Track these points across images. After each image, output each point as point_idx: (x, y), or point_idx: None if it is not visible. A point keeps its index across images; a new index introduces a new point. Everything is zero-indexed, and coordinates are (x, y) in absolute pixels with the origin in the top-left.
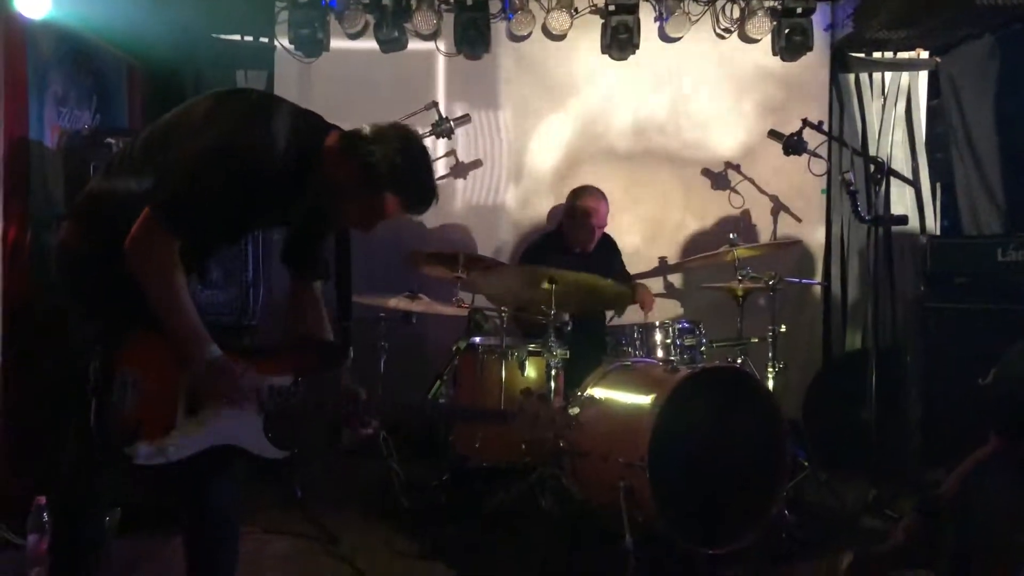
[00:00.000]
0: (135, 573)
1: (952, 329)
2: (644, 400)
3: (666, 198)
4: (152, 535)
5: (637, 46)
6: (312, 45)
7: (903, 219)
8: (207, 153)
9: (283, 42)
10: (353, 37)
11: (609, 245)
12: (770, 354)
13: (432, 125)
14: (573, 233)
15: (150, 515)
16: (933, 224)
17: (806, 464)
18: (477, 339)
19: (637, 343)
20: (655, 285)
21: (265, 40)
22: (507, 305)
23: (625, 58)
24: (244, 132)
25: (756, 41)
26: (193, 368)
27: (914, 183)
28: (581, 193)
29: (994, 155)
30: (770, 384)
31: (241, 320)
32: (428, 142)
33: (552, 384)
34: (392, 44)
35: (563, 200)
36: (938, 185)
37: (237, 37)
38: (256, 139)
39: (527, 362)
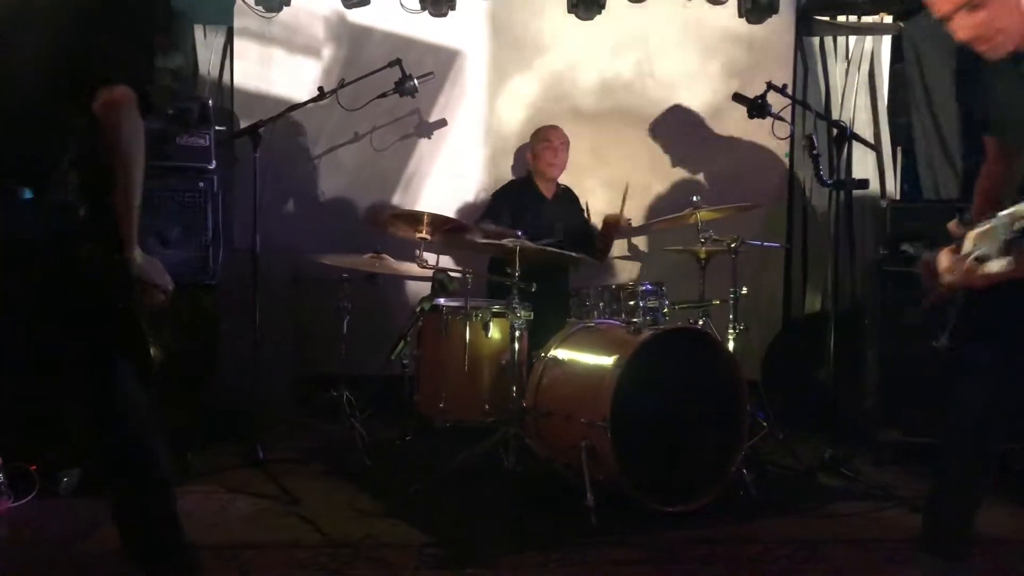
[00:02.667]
0: (94, 532)
1: (909, 292)
2: (607, 361)
3: (632, 159)
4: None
5: (603, 6)
6: None
7: (864, 183)
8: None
9: None
10: None
11: (572, 196)
12: (731, 316)
13: (395, 83)
14: (539, 165)
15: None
16: (894, 188)
17: (765, 424)
18: (441, 300)
19: (601, 304)
20: (619, 246)
21: None
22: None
23: (591, 18)
24: None
25: (722, 3)
26: (134, 251)
27: (876, 147)
28: (541, 127)
29: (953, 121)
30: (731, 345)
31: (201, 278)
32: (392, 102)
33: (516, 345)
34: (354, 1)
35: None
36: (899, 149)
37: None
38: None
39: (491, 323)
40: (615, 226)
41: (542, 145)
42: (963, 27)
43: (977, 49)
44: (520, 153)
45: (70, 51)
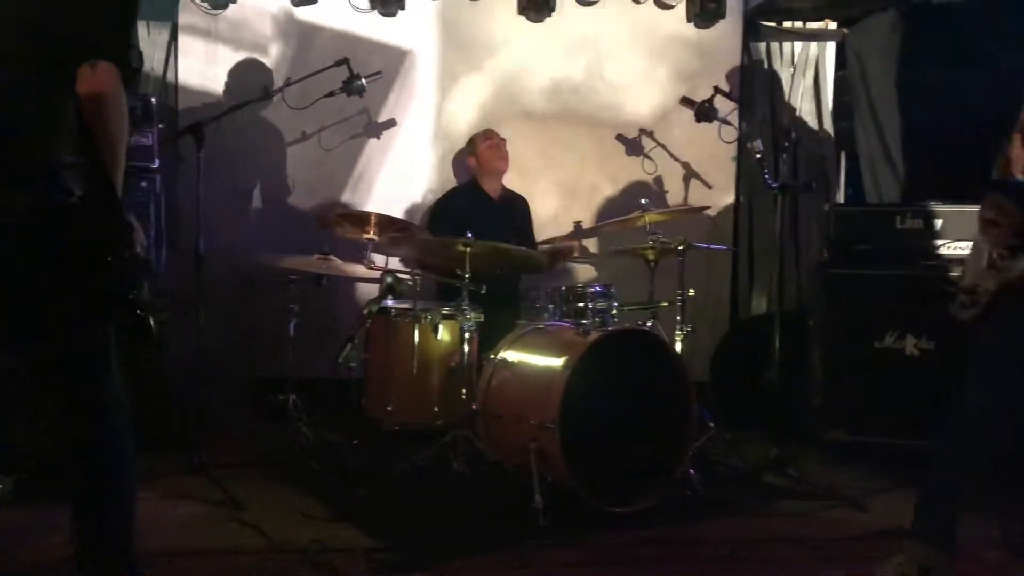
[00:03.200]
0: (28, 542)
1: (852, 294)
2: (556, 363)
3: (581, 162)
4: (47, 504)
5: (553, 9)
6: None
7: (809, 187)
8: None
9: None
10: None
11: (521, 201)
12: (679, 317)
13: (343, 82)
14: (483, 167)
15: (45, 484)
16: (838, 192)
17: (712, 424)
18: (390, 302)
19: (551, 306)
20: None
21: None
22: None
23: (542, 20)
24: None
25: (671, 7)
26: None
27: (820, 152)
28: (479, 141)
29: (895, 127)
30: (678, 346)
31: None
32: (339, 100)
33: (466, 347)
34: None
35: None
36: (843, 154)
37: None
38: None
39: (440, 325)
40: (566, 254)
41: (485, 144)
42: None
43: None
44: (459, 160)
45: (52, 28)
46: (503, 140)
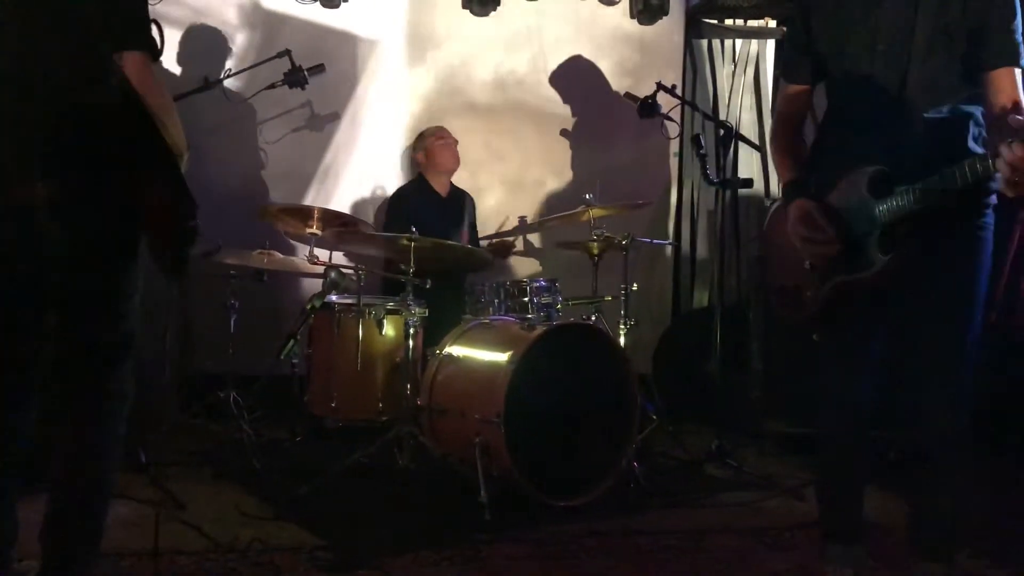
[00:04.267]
0: None
1: None
2: (501, 357)
3: (526, 155)
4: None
5: (498, 2)
6: None
7: (749, 182)
8: None
9: None
10: None
11: (467, 198)
12: (622, 311)
13: (285, 74)
14: (433, 165)
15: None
16: (777, 188)
17: (655, 416)
18: (333, 297)
19: (496, 301)
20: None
21: None
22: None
23: (486, 14)
24: None
25: (615, 3)
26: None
27: (760, 148)
28: (431, 139)
29: None
30: (622, 340)
31: None
32: (282, 92)
33: (410, 343)
34: None
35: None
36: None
37: None
38: None
39: (385, 320)
40: (506, 250)
41: (437, 143)
42: None
43: None
44: (405, 154)
45: (85, 18)
46: (455, 140)
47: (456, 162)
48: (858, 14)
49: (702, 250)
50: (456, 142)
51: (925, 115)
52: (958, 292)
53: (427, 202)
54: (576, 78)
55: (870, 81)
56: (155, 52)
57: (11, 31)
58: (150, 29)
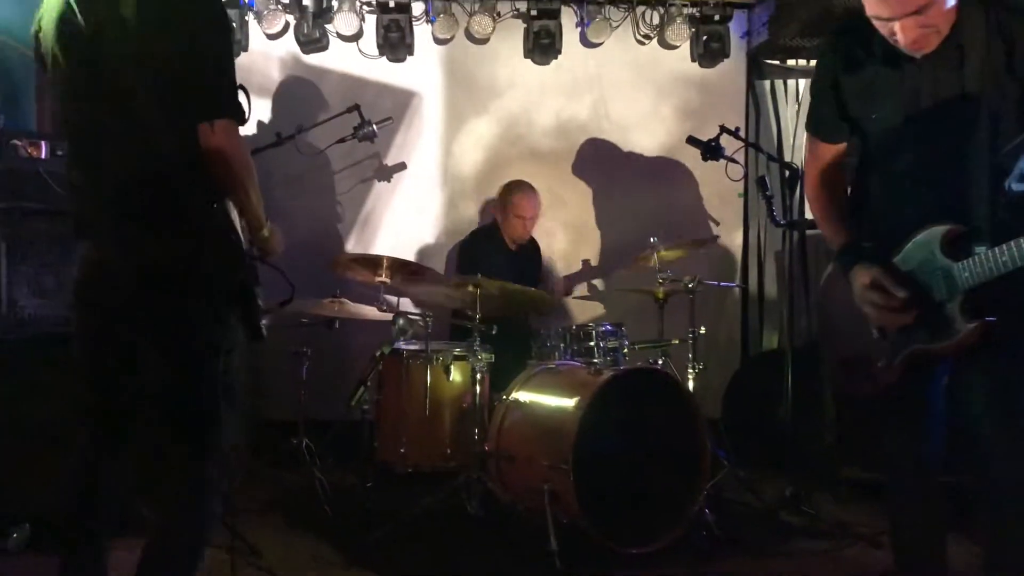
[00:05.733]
0: None
1: None
2: (568, 403)
3: (589, 199)
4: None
5: (559, 51)
6: None
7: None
8: (219, 31)
9: None
10: (273, 38)
11: (535, 247)
12: (690, 355)
13: (354, 128)
14: (507, 229)
15: (58, 533)
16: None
17: (725, 463)
18: (401, 343)
19: (561, 345)
20: (579, 287)
21: None
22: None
23: (548, 62)
24: None
25: (675, 47)
26: (265, 233)
27: None
28: (514, 190)
29: None
30: (690, 385)
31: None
32: (350, 145)
33: (477, 388)
34: (313, 45)
35: (490, 199)
36: (848, 189)
37: None
38: None
39: (452, 367)
40: (562, 292)
41: (515, 218)
42: (909, 28)
43: (911, 49)
44: (480, 190)
45: (173, 86)
46: (534, 215)
47: (526, 237)
48: (892, 75)
49: (770, 292)
50: (535, 216)
51: (989, 166)
52: None
53: (496, 250)
54: (638, 122)
55: (918, 136)
56: (242, 118)
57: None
58: (237, 95)
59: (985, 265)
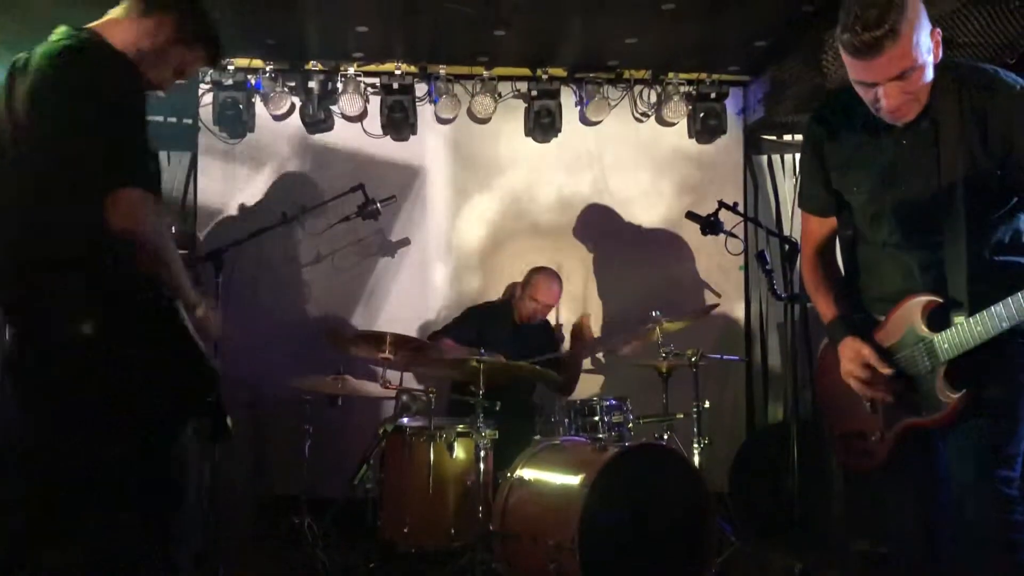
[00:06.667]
0: None
1: None
2: (573, 480)
3: (591, 273)
4: None
5: (559, 129)
6: (237, 126)
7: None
8: (100, 101)
9: (207, 123)
10: (279, 119)
11: (546, 327)
12: (695, 429)
13: (359, 207)
14: (519, 306)
15: None
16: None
17: (733, 538)
18: (405, 420)
19: (566, 420)
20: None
21: (188, 121)
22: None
23: (548, 140)
24: (109, 63)
25: (673, 124)
26: (199, 312)
27: None
28: (537, 272)
29: None
30: (696, 459)
31: None
32: (354, 222)
33: (481, 466)
34: (318, 126)
35: (490, 277)
36: (842, 264)
37: (160, 118)
38: (120, 60)
39: (456, 443)
40: (583, 330)
41: (529, 299)
42: (893, 94)
43: (893, 117)
44: (483, 265)
45: (70, 160)
46: (551, 304)
47: (535, 321)
48: (872, 147)
49: (774, 364)
50: (551, 305)
51: (965, 238)
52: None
53: (502, 323)
54: (638, 197)
55: (896, 208)
56: (148, 184)
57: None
58: (135, 161)
59: (962, 335)
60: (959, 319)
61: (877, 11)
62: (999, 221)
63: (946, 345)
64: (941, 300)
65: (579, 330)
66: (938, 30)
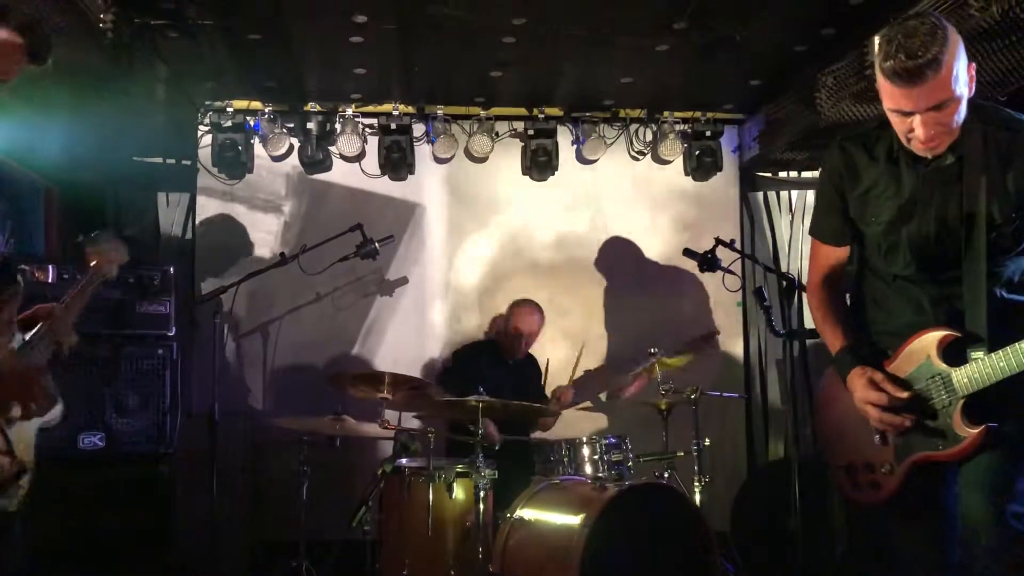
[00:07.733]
0: None
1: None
2: (573, 521)
3: (589, 310)
4: None
5: (556, 168)
6: (235, 167)
7: (815, 332)
8: None
9: (206, 164)
10: (277, 159)
11: (533, 362)
12: (696, 467)
13: (357, 246)
14: (506, 344)
15: None
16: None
17: None
18: (403, 460)
19: (565, 460)
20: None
21: (187, 162)
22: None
23: (545, 179)
24: None
25: (669, 162)
26: None
27: None
28: (516, 304)
29: None
30: (697, 498)
31: (158, 448)
32: (353, 261)
33: (481, 506)
34: (316, 166)
35: (488, 315)
36: (848, 297)
37: (159, 159)
38: None
39: (455, 484)
40: (559, 399)
41: (511, 331)
42: (929, 123)
43: (925, 147)
44: (481, 304)
45: None
46: (534, 333)
47: (518, 354)
48: (893, 178)
49: (774, 400)
50: (535, 334)
51: (983, 274)
52: None
53: (491, 362)
54: (635, 234)
55: (914, 242)
56: None
57: None
58: None
59: (984, 371)
60: (977, 354)
61: (921, 40)
62: (1010, 260)
63: (965, 380)
64: (959, 334)
65: (556, 400)
66: (973, 64)
